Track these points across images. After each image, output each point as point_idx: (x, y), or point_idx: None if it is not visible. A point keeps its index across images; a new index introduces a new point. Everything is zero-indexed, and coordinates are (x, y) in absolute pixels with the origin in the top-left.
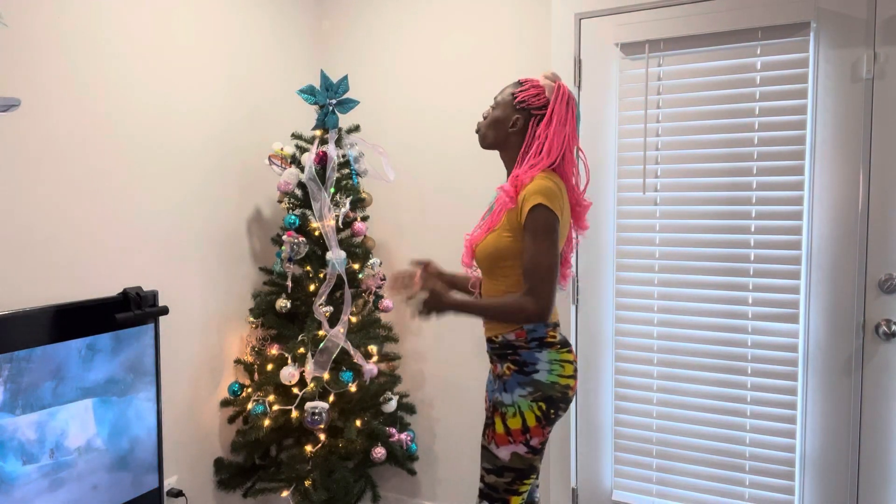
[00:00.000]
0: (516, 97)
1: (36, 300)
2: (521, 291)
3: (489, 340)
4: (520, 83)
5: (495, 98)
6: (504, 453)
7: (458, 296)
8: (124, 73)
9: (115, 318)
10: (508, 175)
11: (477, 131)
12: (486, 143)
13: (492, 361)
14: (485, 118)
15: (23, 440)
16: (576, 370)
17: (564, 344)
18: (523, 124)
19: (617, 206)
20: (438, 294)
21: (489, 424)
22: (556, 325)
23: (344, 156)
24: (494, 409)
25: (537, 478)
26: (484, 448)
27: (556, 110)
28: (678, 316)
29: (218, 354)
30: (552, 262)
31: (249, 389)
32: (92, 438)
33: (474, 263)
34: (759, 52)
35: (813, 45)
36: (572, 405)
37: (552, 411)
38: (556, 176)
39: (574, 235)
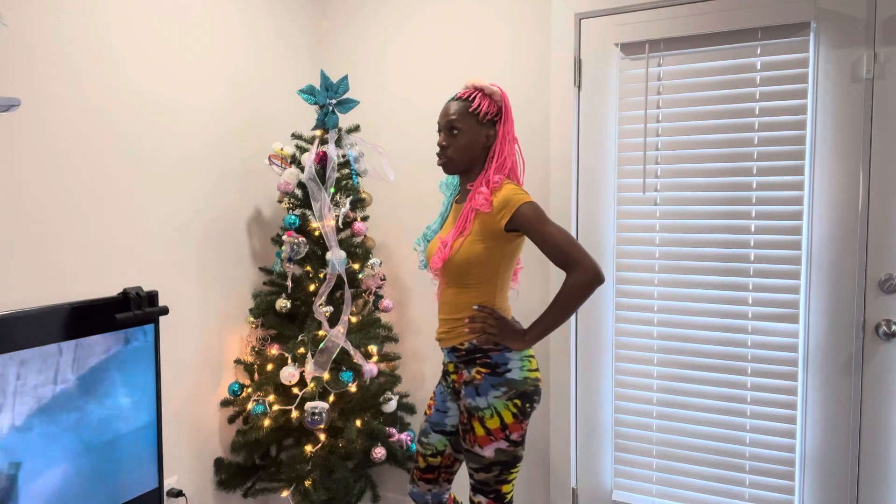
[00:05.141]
0: (478, 113)
1: (36, 300)
2: (565, 274)
3: (453, 350)
4: (467, 99)
5: (449, 124)
6: (488, 451)
7: (532, 326)
8: (124, 73)
9: (115, 318)
10: (462, 189)
11: (443, 163)
12: (458, 169)
13: (454, 371)
14: (445, 146)
15: (23, 440)
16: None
17: None
18: (494, 136)
19: (617, 206)
20: (510, 330)
21: (468, 430)
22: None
23: (344, 156)
24: (470, 415)
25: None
26: (468, 451)
27: (508, 109)
28: (678, 316)
29: (218, 354)
30: (567, 234)
31: (249, 389)
32: (92, 438)
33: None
34: (759, 52)
35: (813, 45)
36: (572, 405)
37: (527, 405)
38: (514, 181)
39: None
